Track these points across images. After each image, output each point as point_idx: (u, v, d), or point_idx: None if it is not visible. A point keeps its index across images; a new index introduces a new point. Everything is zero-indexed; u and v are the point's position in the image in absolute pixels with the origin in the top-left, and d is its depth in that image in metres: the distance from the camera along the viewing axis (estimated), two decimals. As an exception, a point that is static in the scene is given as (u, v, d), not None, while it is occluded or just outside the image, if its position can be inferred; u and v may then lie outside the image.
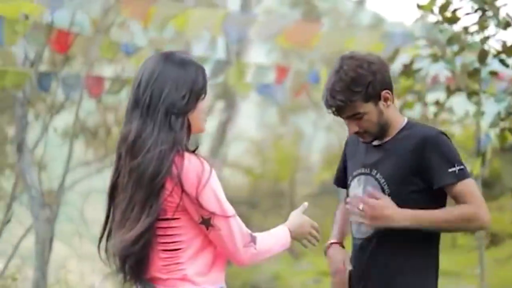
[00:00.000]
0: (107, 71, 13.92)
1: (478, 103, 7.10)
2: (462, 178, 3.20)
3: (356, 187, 3.39)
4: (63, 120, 14.90)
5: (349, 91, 3.16)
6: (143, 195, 2.71)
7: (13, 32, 7.14)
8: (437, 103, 7.83)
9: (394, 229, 3.19)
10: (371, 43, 9.48)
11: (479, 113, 7.02)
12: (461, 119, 8.13)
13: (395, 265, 3.28)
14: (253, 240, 2.80)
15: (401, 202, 3.20)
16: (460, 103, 7.78)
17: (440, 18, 6.91)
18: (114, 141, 16.24)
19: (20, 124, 9.56)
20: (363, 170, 3.37)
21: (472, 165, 7.62)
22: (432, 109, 7.99)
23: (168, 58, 2.87)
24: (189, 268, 2.77)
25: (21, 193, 12.45)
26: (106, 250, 2.87)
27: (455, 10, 6.80)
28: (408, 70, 7.51)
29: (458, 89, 7.35)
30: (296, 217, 3.08)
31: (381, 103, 3.25)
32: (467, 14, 6.80)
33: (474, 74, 6.98)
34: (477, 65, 6.92)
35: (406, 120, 3.38)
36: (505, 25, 6.42)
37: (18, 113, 9.56)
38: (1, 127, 14.71)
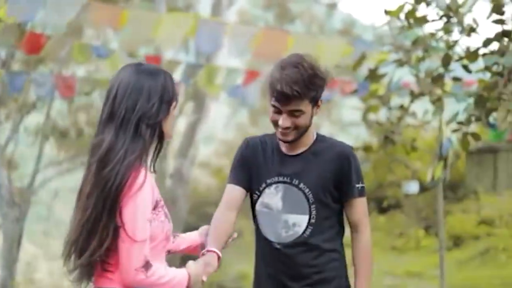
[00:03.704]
0: (80, 71, 13.95)
1: (441, 107, 7.25)
2: (363, 195, 3.49)
3: (273, 194, 3.45)
4: (34, 120, 14.92)
5: (306, 87, 3.27)
6: (107, 205, 2.80)
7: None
8: (401, 107, 8.00)
9: (314, 235, 3.41)
10: (340, 48, 9.61)
11: (440, 112, 7.18)
12: (424, 123, 8.30)
13: (319, 266, 3.43)
14: (146, 268, 2.80)
15: (323, 211, 3.41)
16: (424, 106, 7.95)
17: (406, 23, 7.00)
18: (85, 141, 16.26)
19: (-10, 124, 9.59)
20: (281, 179, 3.45)
21: (434, 169, 7.80)
22: (395, 113, 8.14)
23: (139, 69, 2.95)
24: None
25: (-9, 192, 12.44)
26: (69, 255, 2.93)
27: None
28: (373, 75, 7.68)
29: (422, 94, 7.51)
30: (197, 265, 3.05)
31: (315, 109, 3.39)
32: (433, 20, 6.88)
33: (437, 79, 7.12)
34: (441, 70, 7.06)
35: (315, 132, 3.53)
36: (469, 31, 6.51)
37: (-12, 112, 9.59)
38: (-29, 126, 14.69)
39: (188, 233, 3.42)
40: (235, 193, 3.50)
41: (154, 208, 2.88)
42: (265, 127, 27.02)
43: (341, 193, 3.45)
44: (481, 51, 6.25)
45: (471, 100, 6.59)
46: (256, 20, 26.46)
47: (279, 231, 3.43)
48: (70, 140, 16.11)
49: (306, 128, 3.40)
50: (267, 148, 3.54)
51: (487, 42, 6.17)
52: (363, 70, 8.23)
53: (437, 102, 7.25)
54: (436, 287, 9.31)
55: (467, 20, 6.53)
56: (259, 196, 3.50)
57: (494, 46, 6.19)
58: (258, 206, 3.49)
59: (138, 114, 2.87)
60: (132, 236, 2.78)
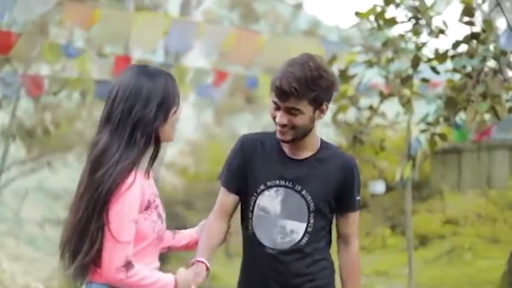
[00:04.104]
0: (44, 70, 13.87)
1: (410, 108, 7.34)
2: (359, 208, 3.46)
3: (272, 198, 3.34)
4: (0, 119, 14.80)
5: (306, 86, 3.15)
6: (97, 208, 2.81)
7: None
8: (370, 108, 8.08)
9: (310, 243, 3.33)
10: (310, 49, 9.64)
11: (410, 113, 7.28)
12: (393, 124, 8.40)
13: (311, 274, 3.37)
14: (127, 268, 2.81)
15: (320, 221, 3.34)
16: (393, 107, 8.04)
17: (375, 25, 7.06)
18: (51, 140, 16.17)
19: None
20: (282, 183, 3.33)
21: (403, 169, 7.90)
22: (365, 114, 8.23)
23: (141, 71, 2.95)
24: None
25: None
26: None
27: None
28: (343, 76, 7.75)
29: (391, 95, 7.59)
30: (188, 273, 3.05)
31: (317, 113, 3.27)
32: (402, 22, 6.94)
33: (406, 80, 7.20)
34: (410, 71, 7.14)
35: (320, 138, 3.43)
36: (438, 33, 6.59)
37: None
38: None
39: (188, 230, 3.43)
40: (228, 200, 3.40)
41: (146, 208, 2.89)
42: (229, 127, 27.10)
43: (340, 204, 3.39)
44: (450, 53, 6.35)
45: (440, 102, 6.69)
46: (221, 19, 26.50)
47: (274, 237, 3.33)
48: (36, 140, 16.00)
49: (305, 130, 3.27)
50: (267, 148, 3.41)
51: (456, 44, 6.26)
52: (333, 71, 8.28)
53: (407, 104, 7.33)
54: (404, 286, 9.41)
55: (436, 22, 6.62)
56: (256, 198, 3.36)
57: (463, 47, 6.30)
58: (255, 209, 3.36)
59: (134, 119, 2.87)
60: (116, 236, 2.79)
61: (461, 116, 7.53)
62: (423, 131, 7.10)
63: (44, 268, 14.76)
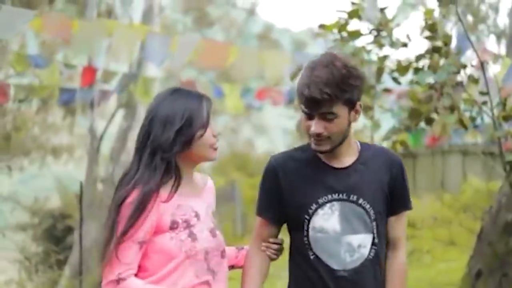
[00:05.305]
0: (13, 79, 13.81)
1: (372, 117, 7.55)
2: (411, 207, 3.16)
3: (328, 215, 2.99)
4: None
5: (338, 87, 2.87)
6: (114, 223, 2.92)
7: None
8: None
9: (378, 254, 3.04)
10: (282, 60, 9.79)
11: (376, 126, 7.49)
12: (357, 132, 8.63)
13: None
14: (118, 283, 2.88)
15: (382, 228, 3.05)
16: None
17: (338, 37, 7.23)
18: (11, 146, 16.07)
19: None
20: (335, 196, 2.99)
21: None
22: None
23: (170, 95, 3.01)
24: None
25: None
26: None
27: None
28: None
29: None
30: None
31: (352, 114, 2.98)
32: (364, 35, 7.13)
33: (369, 90, 7.42)
34: (372, 81, 7.35)
35: (357, 141, 3.17)
36: (401, 46, 6.80)
37: None
38: None
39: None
40: (269, 231, 3.13)
41: (172, 228, 2.94)
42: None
43: (394, 203, 3.08)
44: (413, 65, 6.58)
45: (404, 114, 6.92)
46: (175, 24, 26.52)
47: (343, 256, 2.97)
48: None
49: (343, 136, 2.99)
50: (303, 164, 3.06)
51: (419, 58, 6.50)
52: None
53: (369, 112, 7.54)
54: None
55: (398, 34, 6.85)
56: (309, 221, 3.00)
57: (425, 61, 6.54)
58: (309, 233, 2.99)
59: (153, 145, 2.94)
60: (116, 251, 2.88)
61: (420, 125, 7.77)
62: (385, 138, 7.31)
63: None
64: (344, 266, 2.97)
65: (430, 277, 10.47)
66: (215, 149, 3.05)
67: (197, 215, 3.01)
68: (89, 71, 9.44)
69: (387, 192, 3.05)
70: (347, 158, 3.05)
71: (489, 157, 12.61)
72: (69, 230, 17.56)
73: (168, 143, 2.93)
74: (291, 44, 30.93)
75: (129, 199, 2.89)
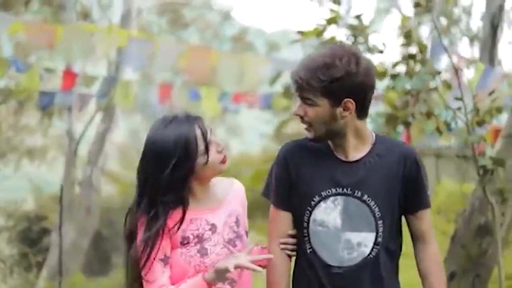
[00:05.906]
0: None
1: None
2: (430, 205, 3.05)
3: (330, 209, 2.91)
4: None
5: (313, 74, 2.79)
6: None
7: None
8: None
9: (381, 255, 2.94)
10: (263, 66, 9.87)
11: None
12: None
13: None
14: None
15: (389, 227, 2.93)
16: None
17: (316, 42, 7.34)
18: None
19: None
20: (340, 190, 2.90)
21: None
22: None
23: (160, 128, 2.91)
24: None
25: None
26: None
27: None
28: (287, 92, 8.07)
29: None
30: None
31: (339, 110, 2.84)
32: (340, 41, 7.23)
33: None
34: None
35: (373, 133, 3.01)
36: (377, 52, 6.92)
37: None
38: None
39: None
40: (285, 222, 2.99)
41: (183, 244, 2.95)
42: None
43: (409, 202, 2.96)
44: (390, 72, 6.71)
45: (381, 119, 7.06)
46: (150, 25, 26.51)
47: (341, 253, 2.89)
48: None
49: (325, 127, 2.87)
50: (313, 154, 2.97)
51: (395, 65, 6.64)
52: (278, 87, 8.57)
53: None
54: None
55: (373, 40, 6.96)
56: (310, 213, 2.92)
57: (401, 67, 6.68)
58: (310, 225, 2.92)
59: (151, 190, 2.90)
60: (145, 277, 2.94)
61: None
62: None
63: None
64: (341, 263, 2.89)
65: (406, 279, 10.59)
66: (224, 162, 2.98)
67: (212, 228, 2.99)
68: (69, 75, 9.51)
69: (400, 188, 2.93)
70: (359, 151, 2.94)
71: (463, 160, 12.78)
72: (44, 232, 17.53)
73: (165, 185, 2.88)
74: (265, 46, 30.98)
75: (139, 237, 2.92)
